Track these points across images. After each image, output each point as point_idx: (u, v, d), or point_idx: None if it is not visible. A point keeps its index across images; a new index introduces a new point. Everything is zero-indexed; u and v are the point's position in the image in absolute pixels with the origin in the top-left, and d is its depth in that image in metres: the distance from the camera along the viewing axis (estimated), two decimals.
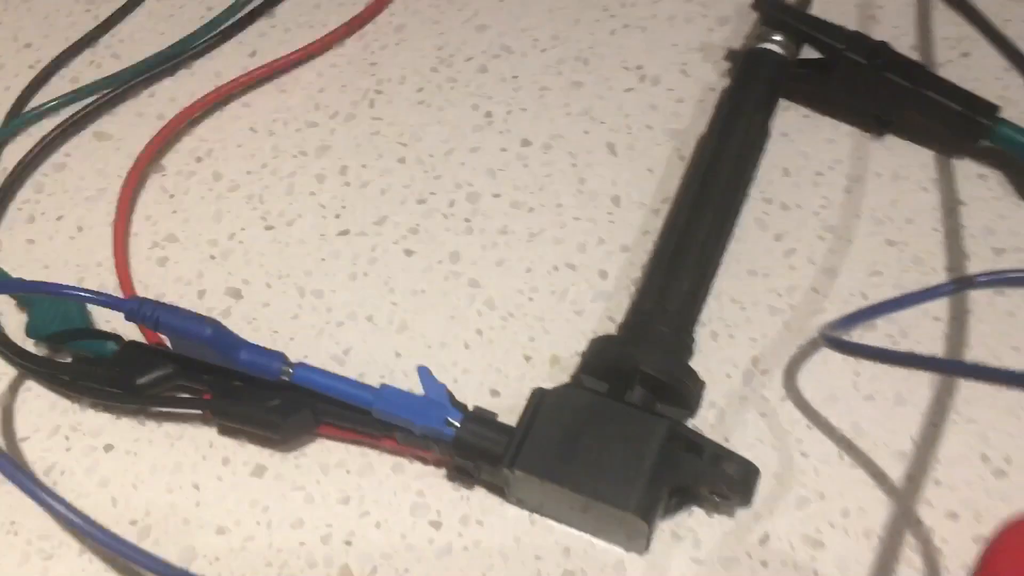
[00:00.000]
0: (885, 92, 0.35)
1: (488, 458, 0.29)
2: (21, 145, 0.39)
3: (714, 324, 0.34)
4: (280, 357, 0.30)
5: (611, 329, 0.34)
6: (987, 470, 0.31)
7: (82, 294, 0.29)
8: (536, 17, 0.41)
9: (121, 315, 0.35)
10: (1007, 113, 0.36)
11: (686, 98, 0.39)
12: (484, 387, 0.34)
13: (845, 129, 0.38)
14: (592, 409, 0.29)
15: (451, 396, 0.31)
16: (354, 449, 0.33)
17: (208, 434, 0.33)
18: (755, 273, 0.35)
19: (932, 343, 0.34)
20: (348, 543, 0.31)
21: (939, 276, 0.35)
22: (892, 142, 0.38)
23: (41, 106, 0.39)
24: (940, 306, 0.34)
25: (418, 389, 0.31)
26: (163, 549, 0.31)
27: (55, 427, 0.33)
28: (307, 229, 0.37)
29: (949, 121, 0.35)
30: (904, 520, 0.31)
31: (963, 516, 0.31)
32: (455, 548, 0.31)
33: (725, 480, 0.29)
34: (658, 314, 0.31)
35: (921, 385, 0.33)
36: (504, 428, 0.30)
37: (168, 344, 0.33)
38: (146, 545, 0.31)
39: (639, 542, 0.30)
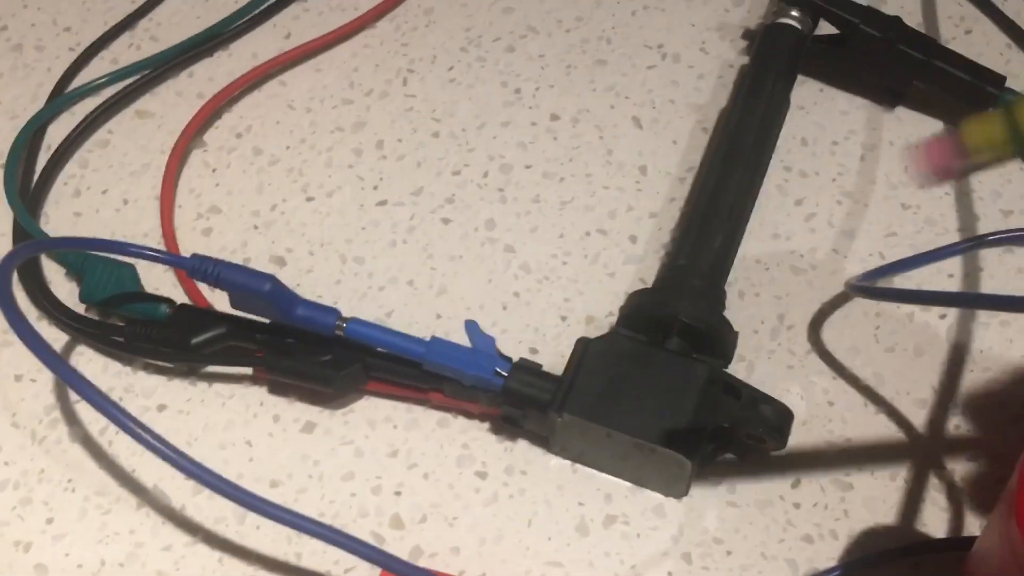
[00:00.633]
0: (898, 64, 0.37)
1: (536, 405, 0.30)
2: (65, 123, 0.40)
3: (741, 284, 0.36)
4: (334, 312, 0.31)
5: None
6: (1004, 416, 0.33)
7: (147, 252, 0.30)
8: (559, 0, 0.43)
9: (169, 282, 0.36)
10: (1010, 85, 0.38)
11: (706, 74, 0.41)
12: (523, 345, 0.35)
13: (859, 102, 0.40)
14: (635, 355, 0.31)
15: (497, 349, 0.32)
16: (400, 406, 0.34)
17: (258, 393, 0.34)
18: (778, 236, 0.37)
19: None
20: (398, 494, 0.32)
21: (951, 236, 0.37)
22: (903, 113, 0.40)
23: (83, 86, 0.40)
24: (953, 264, 0.36)
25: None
26: (219, 503, 0.32)
27: (109, 389, 0.35)
28: (346, 200, 0.38)
29: (959, 91, 0.37)
30: (927, 463, 0.32)
31: (982, 458, 0.32)
32: (501, 497, 0.32)
33: (763, 422, 0.30)
34: (692, 269, 0.33)
35: (938, 337, 0.35)
36: (550, 377, 0.31)
37: (216, 307, 0.35)
38: (201, 499, 0.32)
39: (679, 486, 0.31)
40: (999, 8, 0.42)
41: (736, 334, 0.32)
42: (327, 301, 0.35)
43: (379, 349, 0.32)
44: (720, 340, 0.32)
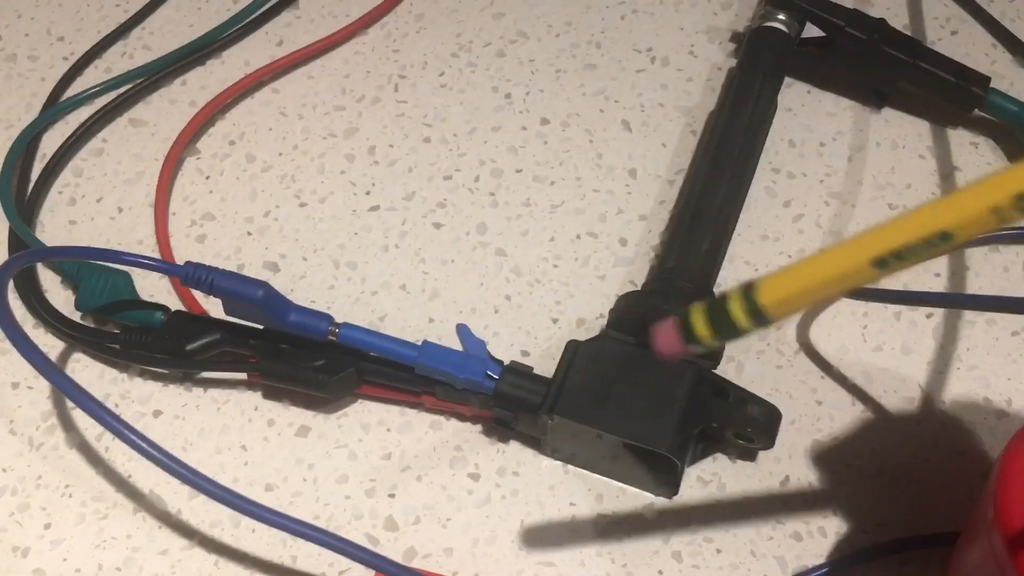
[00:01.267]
0: (884, 66, 0.38)
1: (527, 407, 0.31)
2: (59, 132, 0.41)
3: (729, 284, 0.36)
4: (327, 318, 0.32)
5: None
6: (990, 411, 0.33)
7: (141, 260, 0.30)
8: (549, 5, 0.43)
9: (164, 288, 0.37)
10: (996, 86, 0.38)
11: (695, 77, 0.41)
12: (515, 348, 0.35)
13: (846, 103, 0.40)
14: (624, 357, 0.31)
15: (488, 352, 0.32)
16: (393, 409, 0.34)
17: (253, 398, 0.35)
18: (766, 237, 0.37)
19: None
20: (391, 496, 0.33)
21: None
22: (890, 114, 0.40)
23: (77, 95, 0.41)
24: (939, 263, 0.36)
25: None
26: (214, 507, 0.32)
27: (105, 395, 0.35)
28: (339, 205, 0.39)
29: (945, 92, 0.38)
30: (914, 459, 0.33)
31: (968, 454, 0.33)
32: (493, 498, 0.33)
33: (750, 422, 0.31)
34: (681, 271, 0.33)
35: (925, 336, 0.35)
36: (540, 379, 0.31)
37: (211, 314, 0.35)
38: (197, 503, 0.33)
39: (668, 485, 0.32)
40: (984, 9, 0.42)
41: None
42: (321, 306, 0.36)
43: (372, 354, 0.32)
44: None
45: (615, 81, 0.41)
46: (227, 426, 0.34)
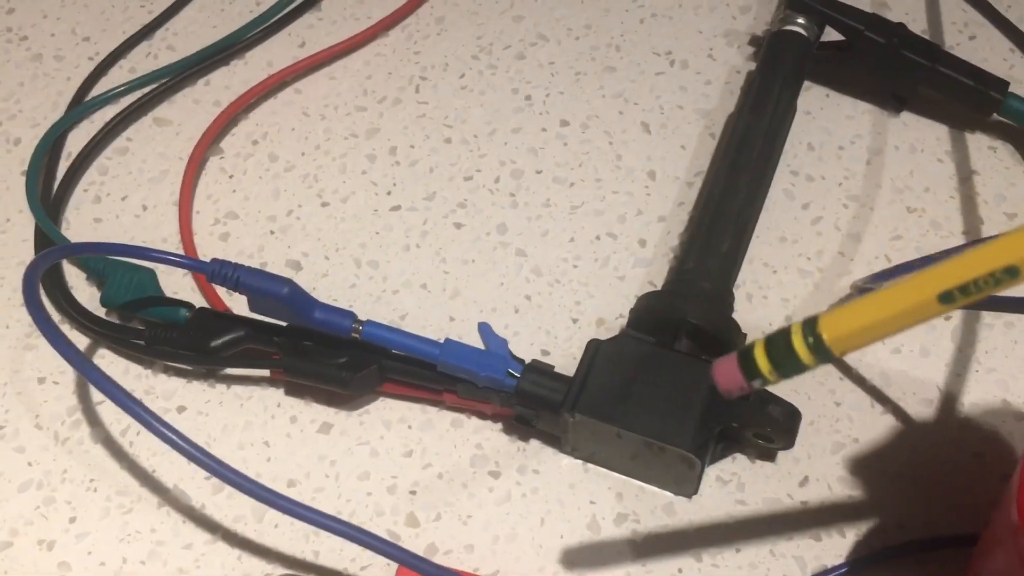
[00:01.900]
0: (903, 70, 0.38)
1: (549, 405, 0.31)
2: (84, 131, 0.41)
3: (748, 286, 0.36)
4: (351, 315, 0.32)
5: None
6: (1009, 414, 0.34)
7: (169, 257, 0.31)
8: (569, 8, 0.44)
9: (187, 286, 0.37)
10: (1014, 90, 0.38)
11: (713, 80, 0.42)
12: (535, 347, 0.36)
13: (864, 107, 0.40)
14: (645, 357, 0.31)
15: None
16: (414, 406, 0.35)
17: (276, 395, 0.35)
18: (785, 239, 0.37)
19: None
20: (413, 493, 0.33)
21: (956, 239, 0.37)
22: (908, 118, 0.40)
23: (102, 95, 0.41)
24: None
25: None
26: (238, 502, 0.33)
27: (130, 391, 0.35)
28: (361, 205, 0.39)
29: (963, 96, 0.38)
30: (933, 461, 0.33)
31: (988, 456, 0.33)
32: (514, 496, 0.33)
33: (770, 422, 0.31)
34: (701, 272, 0.33)
35: (943, 338, 0.35)
36: (562, 378, 0.32)
37: (234, 311, 0.35)
38: (221, 498, 0.33)
39: (688, 485, 0.32)
40: (1003, 14, 0.42)
41: (744, 336, 0.33)
42: (343, 304, 0.36)
43: (394, 351, 0.33)
44: (729, 342, 0.32)
45: (634, 83, 0.42)
46: (250, 422, 0.34)
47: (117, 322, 0.36)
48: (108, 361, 0.36)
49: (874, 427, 0.33)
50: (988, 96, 0.38)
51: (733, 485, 0.33)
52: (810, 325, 0.22)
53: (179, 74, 0.42)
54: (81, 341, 0.36)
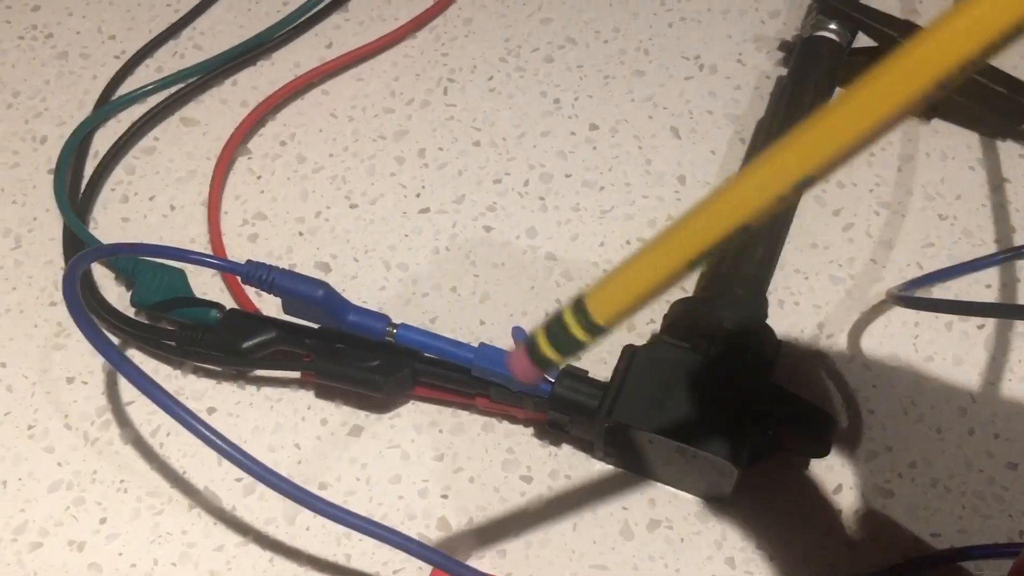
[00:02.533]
0: None
1: (584, 411, 0.31)
2: (111, 130, 0.41)
3: (780, 293, 0.36)
4: (384, 318, 0.32)
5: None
6: None
7: (205, 259, 0.30)
8: (597, 11, 0.44)
9: (216, 286, 0.37)
10: None
11: (743, 85, 0.41)
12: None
13: None
14: (681, 363, 0.31)
15: None
16: (445, 410, 0.35)
17: (306, 397, 0.35)
18: (816, 246, 0.37)
19: None
20: (444, 496, 0.33)
21: (988, 247, 0.37)
22: (939, 125, 0.40)
23: (129, 94, 0.41)
24: (990, 274, 0.37)
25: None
26: (269, 504, 0.33)
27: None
28: (389, 207, 0.39)
29: (995, 104, 0.38)
30: (968, 470, 0.33)
31: (1022, 465, 0.33)
32: (546, 500, 0.33)
33: (805, 428, 0.31)
34: (735, 278, 0.33)
35: (976, 347, 0.35)
36: (596, 383, 0.32)
37: (263, 312, 0.35)
38: (252, 500, 0.33)
39: (723, 491, 0.32)
40: None
41: (780, 342, 0.33)
42: (372, 306, 0.36)
43: (427, 355, 0.33)
44: (763, 348, 0.32)
45: (663, 88, 0.42)
46: (280, 424, 0.34)
47: (147, 322, 0.36)
48: (138, 361, 0.36)
49: (908, 436, 0.33)
50: (1020, 104, 0.38)
51: (766, 492, 0.33)
52: (579, 308, 0.22)
53: (206, 74, 0.42)
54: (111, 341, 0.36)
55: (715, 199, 0.20)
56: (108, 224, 0.39)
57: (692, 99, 0.41)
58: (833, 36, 0.38)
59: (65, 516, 0.33)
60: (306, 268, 0.38)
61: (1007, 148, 0.39)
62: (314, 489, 0.33)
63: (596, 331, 0.22)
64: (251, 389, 0.35)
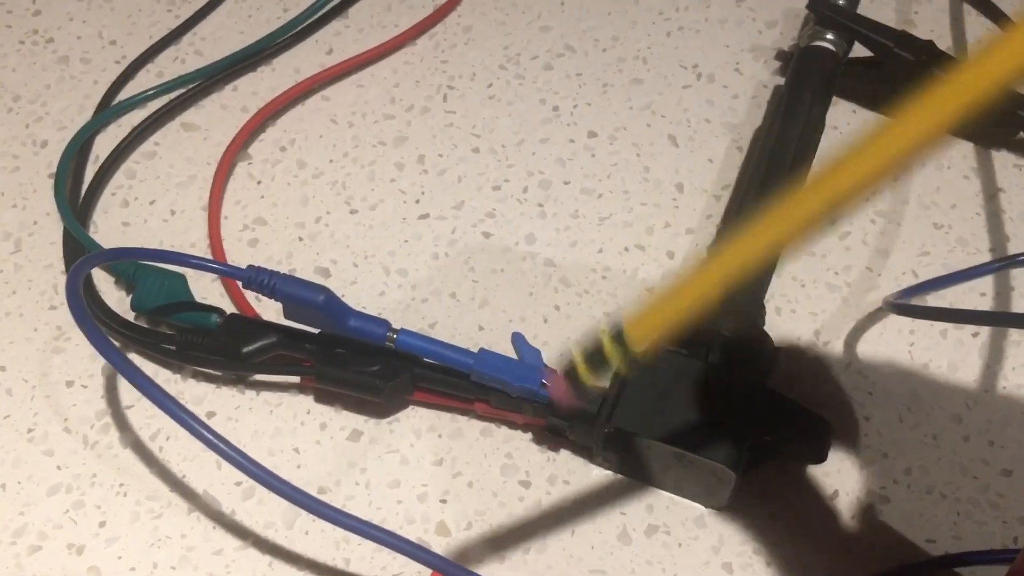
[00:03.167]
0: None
1: (584, 417, 0.31)
2: (112, 135, 0.41)
3: (777, 300, 0.37)
4: (385, 324, 0.32)
5: None
6: None
7: (207, 264, 0.31)
8: (596, 19, 0.44)
9: (216, 291, 0.37)
10: None
11: (740, 94, 0.42)
12: (564, 358, 0.36)
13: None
14: (679, 369, 0.31)
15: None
16: (444, 415, 0.35)
17: (305, 402, 0.35)
18: (813, 254, 0.38)
19: None
20: (443, 501, 0.33)
21: (983, 256, 0.38)
22: None
23: (130, 99, 0.41)
24: (985, 283, 0.37)
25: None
26: (268, 508, 0.33)
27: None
28: (389, 213, 0.39)
29: (990, 114, 0.38)
30: (963, 476, 0.33)
31: (1017, 473, 0.33)
32: (544, 506, 0.33)
33: (802, 435, 0.31)
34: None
35: (971, 355, 0.35)
36: (596, 389, 0.32)
37: (263, 317, 0.35)
38: (251, 504, 0.33)
39: (720, 497, 0.32)
40: None
41: (777, 349, 0.33)
42: (372, 311, 0.36)
43: (426, 360, 0.33)
44: (761, 354, 0.32)
45: (661, 96, 0.42)
46: (280, 429, 0.34)
47: (147, 327, 0.36)
48: (138, 365, 0.36)
49: (903, 442, 0.34)
50: (1014, 115, 0.38)
51: (763, 498, 0.33)
52: (620, 338, 0.24)
53: (207, 79, 0.42)
54: None
55: (754, 227, 0.21)
56: (108, 228, 0.39)
57: (690, 107, 0.42)
58: (830, 46, 0.39)
59: (64, 519, 0.33)
60: (306, 273, 0.38)
61: (1002, 158, 0.40)
62: (313, 493, 0.33)
63: (633, 359, 0.24)
64: (250, 394, 0.35)
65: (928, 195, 0.39)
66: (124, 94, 0.42)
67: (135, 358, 0.36)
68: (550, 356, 0.35)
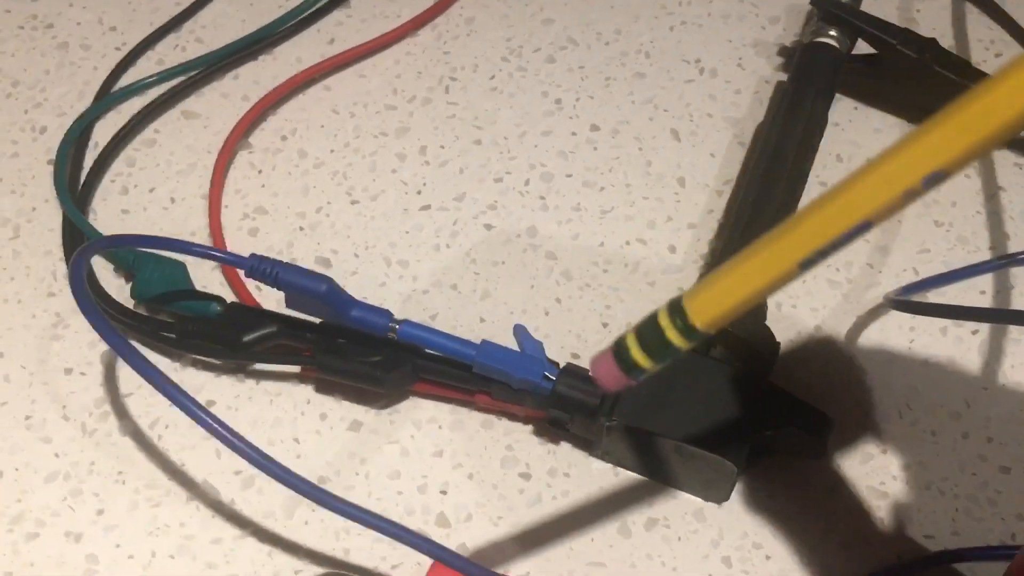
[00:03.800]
0: (933, 85, 0.38)
1: (585, 409, 0.31)
2: (112, 122, 0.41)
3: (778, 295, 0.37)
4: (387, 314, 0.32)
5: None
6: None
7: (210, 252, 0.30)
8: (599, 12, 0.44)
9: (216, 280, 0.37)
10: None
11: (743, 89, 0.42)
12: (565, 351, 0.36)
13: (892, 120, 0.41)
14: (681, 363, 0.31)
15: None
16: (444, 407, 0.35)
17: (305, 391, 0.35)
18: None
19: None
20: (443, 493, 0.33)
21: (983, 254, 0.38)
22: None
23: (130, 86, 0.41)
24: (985, 281, 0.37)
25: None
26: (267, 498, 0.33)
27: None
28: (390, 204, 0.39)
29: None
30: (961, 474, 0.33)
31: (1015, 469, 0.33)
32: (544, 498, 0.33)
33: (803, 429, 0.31)
34: None
35: (970, 352, 0.36)
36: None
37: (264, 306, 0.35)
38: (251, 493, 0.33)
39: (720, 491, 0.32)
40: None
41: (778, 344, 0.33)
42: (372, 302, 0.36)
43: (428, 351, 0.33)
44: (762, 349, 0.32)
45: (664, 90, 0.42)
46: (279, 418, 0.34)
47: (146, 314, 0.36)
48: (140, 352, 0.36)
49: (902, 438, 0.34)
50: None
51: (763, 492, 0.33)
52: (677, 311, 0.21)
53: (208, 67, 0.42)
54: None
55: (837, 193, 0.19)
56: (107, 216, 0.39)
57: (692, 102, 0.42)
58: (833, 42, 0.39)
59: (62, 507, 0.33)
60: (306, 263, 0.38)
61: (1002, 157, 0.40)
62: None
63: (693, 335, 0.21)
64: (250, 383, 0.35)
65: (929, 193, 0.39)
66: (124, 81, 0.42)
67: (135, 346, 0.36)
68: (548, 349, 0.35)
